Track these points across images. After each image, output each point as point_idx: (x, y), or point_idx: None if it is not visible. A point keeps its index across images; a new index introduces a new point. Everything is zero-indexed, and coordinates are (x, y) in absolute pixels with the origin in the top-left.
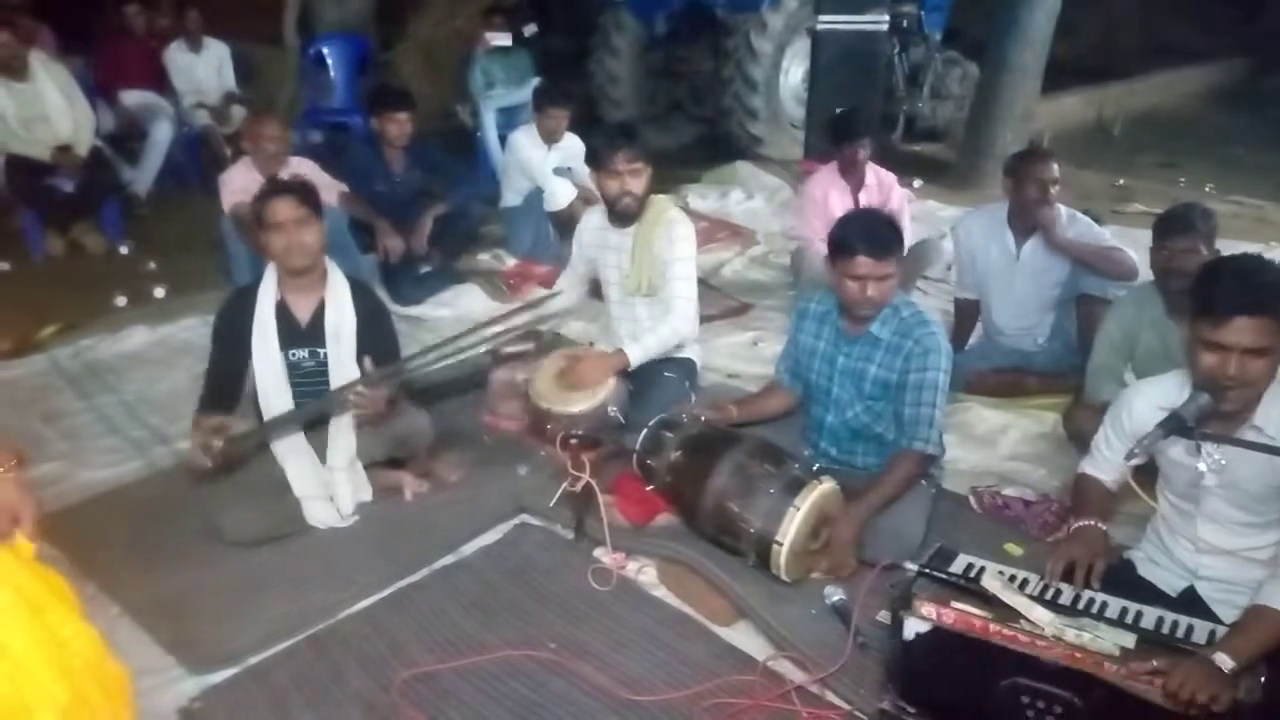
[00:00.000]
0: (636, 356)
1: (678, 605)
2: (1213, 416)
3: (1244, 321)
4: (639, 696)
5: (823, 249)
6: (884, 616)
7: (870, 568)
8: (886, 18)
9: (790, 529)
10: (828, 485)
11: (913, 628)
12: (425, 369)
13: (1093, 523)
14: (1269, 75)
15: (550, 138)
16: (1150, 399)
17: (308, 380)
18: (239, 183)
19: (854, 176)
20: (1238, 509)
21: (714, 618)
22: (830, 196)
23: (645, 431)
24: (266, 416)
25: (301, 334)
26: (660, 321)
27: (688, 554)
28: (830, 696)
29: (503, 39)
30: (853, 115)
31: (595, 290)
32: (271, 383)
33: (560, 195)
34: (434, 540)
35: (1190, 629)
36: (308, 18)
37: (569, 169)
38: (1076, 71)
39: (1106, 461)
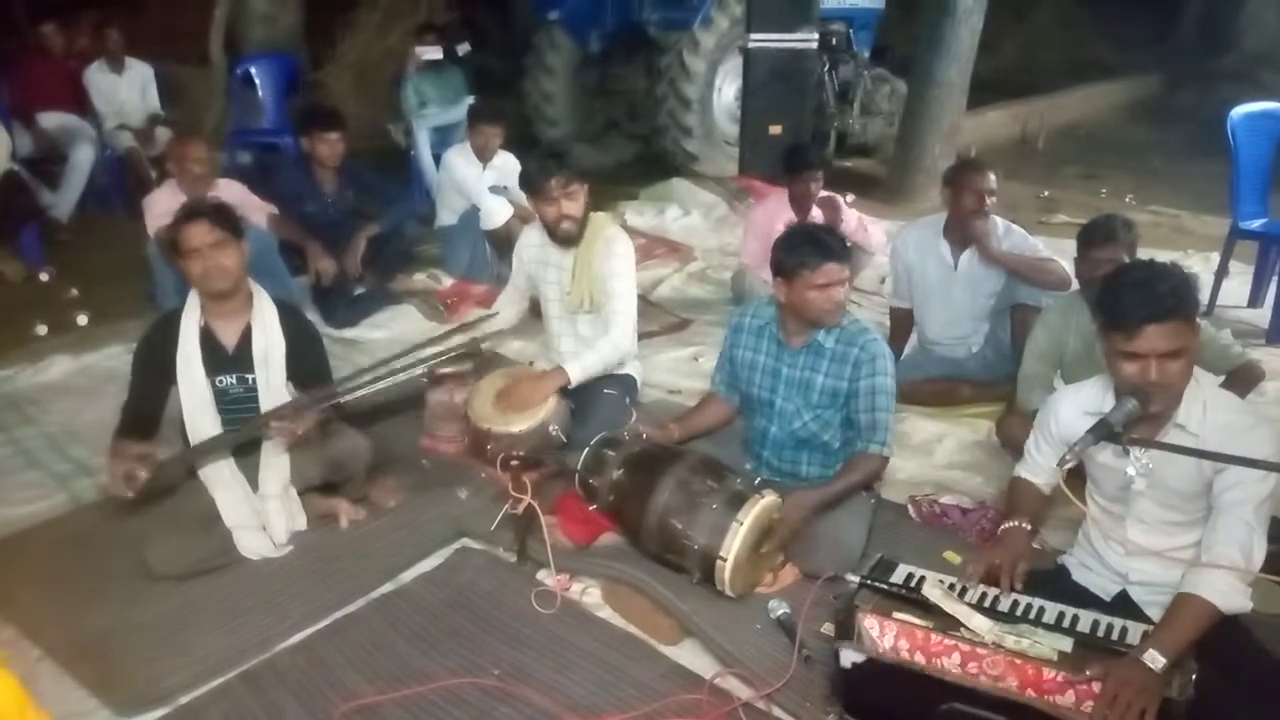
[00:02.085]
0: (576, 374)
1: (623, 626)
2: (1139, 420)
3: (1154, 329)
4: None
5: (762, 273)
6: (828, 629)
7: (813, 580)
8: (816, 36)
9: (734, 544)
10: (770, 499)
11: (848, 658)
12: (358, 394)
13: (1017, 524)
14: (1182, 90)
15: (482, 154)
16: (1076, 404)
17: (237, 407)
18: (164, 206)
19: (803, 207)
20: (1165, 509)
21: (660, 637)
22: (776, 226)
23: (587, 451)
24: (194, 445)
25: (228, 360)
26: (600, 339)
27: (632, 573)
28: (777, 711)
29: (434, 53)
30: (806, 147)
31: (535, 308)
32: (199, 411)
33: (496, 214)
34: (372, 568)
35: (1125, 631)
36: (234, 37)
37: (505, 187)
38: (1000, 87)
39: (1038, 465)
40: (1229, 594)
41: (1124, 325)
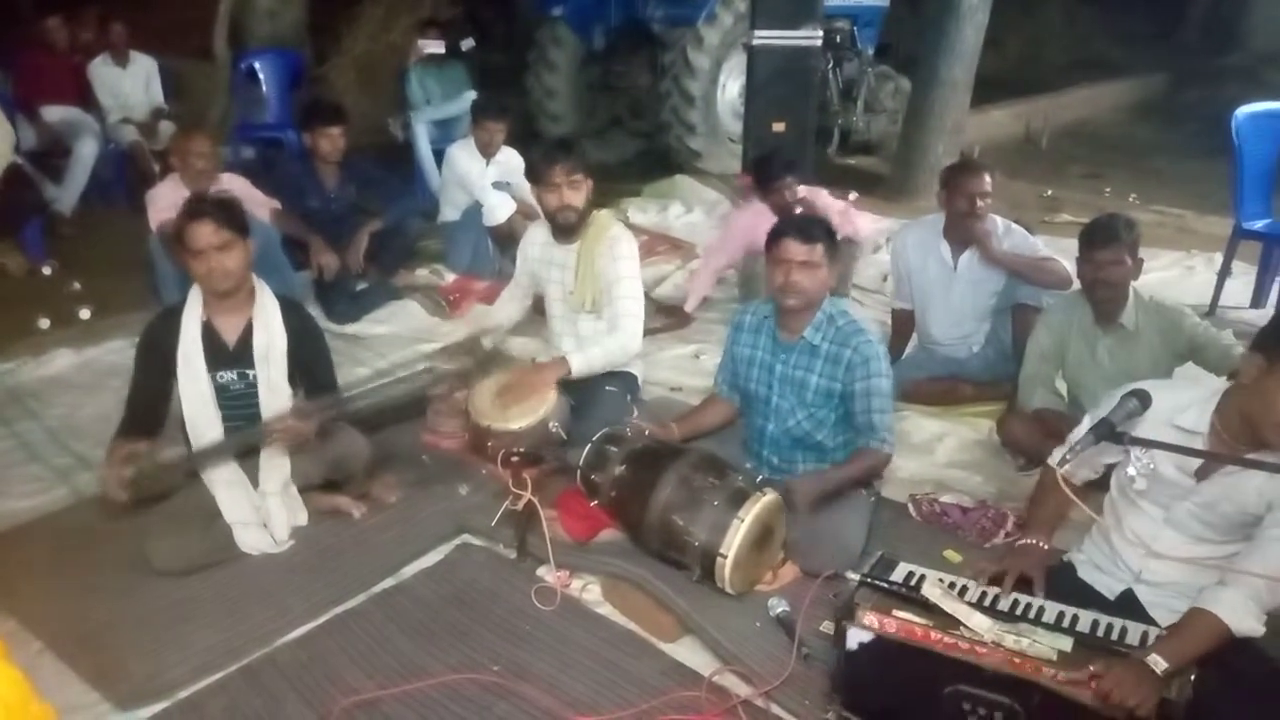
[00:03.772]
0: (579, 365)
1: (623, 622)
2: (1228, 437)
3: None
4: (585, 717)
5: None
6: (827, 627)
7: (813, 578)
8: (820, 33)
9: (734, 541)
10: (770, 497)
11: (856, 638)
12: (363, 400)
13: (1035, 541)
14: (1187, 90)
15: (486, 150)
16: (1164, 411)
17: (237, 402)
18: (167, 200)
19: (784, 213)
20: (1206, 526)
21: (659, 634)
22: (758, 234)
23: (589, 447)
24: (194, 440)
25: (229, 355)
26: (608, 336)
27: (632, 570)
28: (776, 709)
29: (435, 46)
30: (773, 156)
31: (539, 306)
32: (198, 406)
33: (499, 210)
34: (372, 563)
35: (1124, 631)
36: (238, 32)
37: (508, 183)
38: (1005, 86)
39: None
40: (1243, 616)
41: None
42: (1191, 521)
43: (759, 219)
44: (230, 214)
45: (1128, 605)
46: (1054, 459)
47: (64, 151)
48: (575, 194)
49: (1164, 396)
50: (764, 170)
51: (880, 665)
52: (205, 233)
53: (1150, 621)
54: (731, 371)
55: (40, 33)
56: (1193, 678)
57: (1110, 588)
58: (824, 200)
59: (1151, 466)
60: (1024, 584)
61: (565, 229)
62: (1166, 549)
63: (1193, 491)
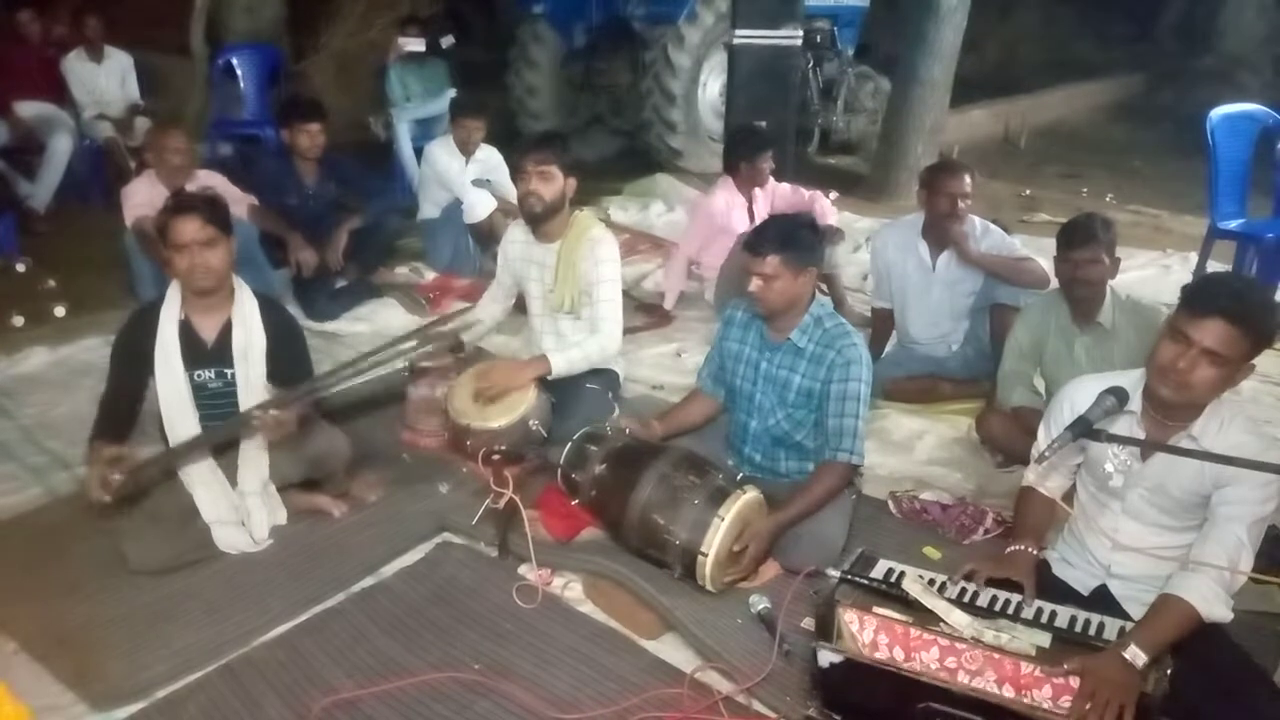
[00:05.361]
0: (559, 365)
1: (604, 620)
2: (1157, 415)
3: (1217, 324)
4: (566, 715)
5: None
6: (808, 624)
7: (794, 575)
8: (800, 33)
9: (715, 540)
10: (751, 495)
11: (826, 658)
12: (340, 387)
13: (1024, 547)
14: (1162, 91)
15: (464, 148)
16: (1094, 393)
17: (215, 402)
18: (142, 196)
19: (751, 191)
20: (1161, 512)
21: (641, 631)
22: (730, 217)
23: (569, 445)
24: (171, 440)
25: (207, 354)
26: (588, 338)
27: (614, 568)
28: (757, 705)
29: (415, 44)
30: (754, 128)
31: (521, 304)
32: (176, 405)
33: (479, 207)
34: (352, 562)
35: (1102, 626)
36: (216, 27)
37: (488, 181)
38: (983, 86)
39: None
40: (1212, 602)
41: (1195, 306)
42: (1147, 508)
43: (726, 201)
44: (216, 211)
45: (1102, 600)
46: (1030, 479)
47: (38, 147)
48: (544, 185)
49: (1121, 381)
50: (744, 143)
51: (851, 684)
52: (191, 228)
53: (1125, 616)
54: (718, 366)
55: (13, 27)
56: (1169, 671)
57: (1084, 583)
58: (771, 185)
59: (1129, 464)
60: (1011, 586)
61: (531, 218)
62: (1129, 540)
63: (1140, 475)
